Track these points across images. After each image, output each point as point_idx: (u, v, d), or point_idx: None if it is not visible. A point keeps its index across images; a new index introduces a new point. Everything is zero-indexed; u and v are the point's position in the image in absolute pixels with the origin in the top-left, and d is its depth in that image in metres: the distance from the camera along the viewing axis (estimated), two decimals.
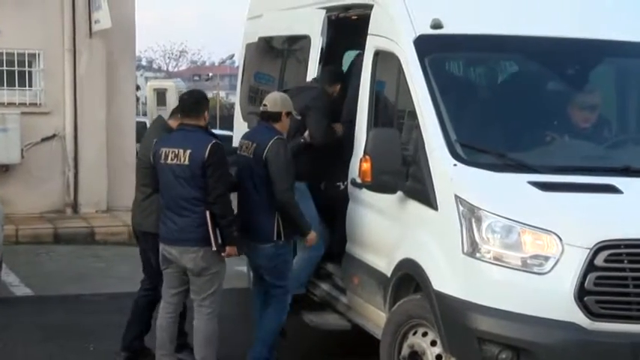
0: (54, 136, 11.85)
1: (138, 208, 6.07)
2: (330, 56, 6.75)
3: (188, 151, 5.46)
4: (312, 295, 6.64)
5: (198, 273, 5.58)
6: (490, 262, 4.61)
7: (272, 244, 5.71)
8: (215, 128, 26.77)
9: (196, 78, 51.14)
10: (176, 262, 5.64)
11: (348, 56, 7.40)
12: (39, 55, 11.79)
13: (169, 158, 5.52)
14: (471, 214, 4.68)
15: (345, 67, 7.38)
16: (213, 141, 5.49)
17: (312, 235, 5.81)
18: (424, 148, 5.06)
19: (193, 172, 5.45)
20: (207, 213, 5.43)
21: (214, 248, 5.47)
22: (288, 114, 5.85)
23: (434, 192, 4.92)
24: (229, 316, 7.50)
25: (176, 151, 5.50)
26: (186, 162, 5.46)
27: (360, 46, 6.13)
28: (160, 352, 5.79)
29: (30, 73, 11.80)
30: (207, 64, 61.05)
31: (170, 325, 5.77)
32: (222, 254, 5.54)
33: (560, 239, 4.52)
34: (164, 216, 5.62)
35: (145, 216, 5.96)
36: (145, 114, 34.65)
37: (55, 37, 11.75)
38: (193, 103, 5.65)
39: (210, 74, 50.76)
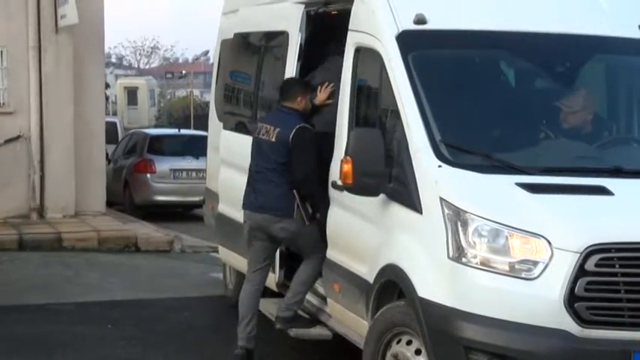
0: (18, 137, 11.79)
1: None
2: (308, 53, 6.75)
3: (277, 130, 6.12)
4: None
5: (292, 241, 6.24)
6: (477, 268, 4.62)
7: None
8: (189, 128, 26.86)
9: (169, 75, 50.88)
10: (261, 229, 6.20)
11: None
12: (2, 52, 11.73)
13: (261, 133, 6.24)
14: (456, 217, 4.70)
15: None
16: (300, 125, 6.06)
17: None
18: (408, 148, 5.07)
19: (278, 151, 6.08)
20: (295, 191, 6.01)
21: (306, 222, 6.03)
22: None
23: (418, 194, 4.93)
24: (203, 325, 7.51)
25: (268, 127, 6.22)
26: (273, 139, 6.13)
27: (341, 42, 6.13)
28: (243, 322, 6.27)
29: None
30: (180, 60, 60.86)
31: (253, 296, 6.32)
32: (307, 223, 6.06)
33: (550, 243, 4.55)
34: (251, 185, 6.28)
35: None
36: (114, 113, 34.59)
37: (18, 33, 11.69)
38: (288, 87, 6.33)
39: (184, 72, 50.55)
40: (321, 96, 6.37)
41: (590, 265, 4.49)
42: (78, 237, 11.03)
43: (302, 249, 6.26)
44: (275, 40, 7.12)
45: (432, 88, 5.27)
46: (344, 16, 6.05)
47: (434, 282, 4.75)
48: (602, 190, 4.85)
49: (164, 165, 15.84)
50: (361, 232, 5.53)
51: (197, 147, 14.42)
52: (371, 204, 5.32)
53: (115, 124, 21.21)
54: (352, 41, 5.88)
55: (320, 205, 6.01)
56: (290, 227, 6.11)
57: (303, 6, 6.67)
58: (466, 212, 4.68)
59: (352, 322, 5.68)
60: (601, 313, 4.49)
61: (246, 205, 6.35)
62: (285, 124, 6.10)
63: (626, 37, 5.75)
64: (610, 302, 4.50)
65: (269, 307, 6.64)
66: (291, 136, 6.03)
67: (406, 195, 5.03)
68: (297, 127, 6.04)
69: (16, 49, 11.70)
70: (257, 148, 6.29)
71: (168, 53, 61.81)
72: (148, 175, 15.75)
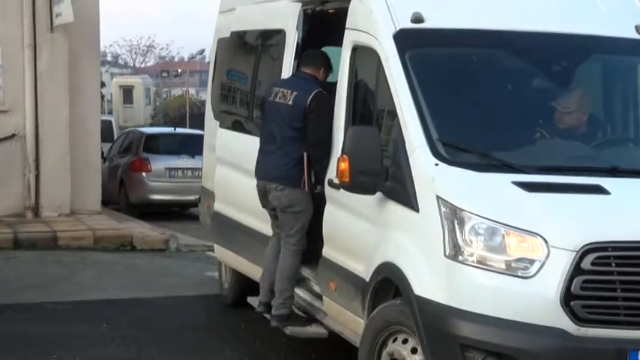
0: (13, 135, 11.77)
1: None
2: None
3: (294, 94, 6.16)
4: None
5: (282, 210, 6.21)
6: (473, 266, 4.63)
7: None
8: (185, 126, 26.88)
9: (165, 74, 50.92)
10: (265, 197, 6.28)
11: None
12: None
13: (277, 97, 6.26)
14: (453, 215, 4.71)
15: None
16: (318, 89, 6.11)
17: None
18: (404, 147, 5.08)
19: (294, 114, 6.10)
20: (305, 155, 6.04)
21: (306, 189, 6.07)
22: None
23: (414, 193, 4.94)
24: (199, 324, 7.51)
25: (284, 91, 6.26)
26: (290, 102, 6.16)
27: (338, 41, 6.15)
28: (267, 273, 6.40)
29: None
30: (176, 59, 60.84)
31: (276, 249, 6.38)
32: (315, 191, 6.08)
33: (546, 241, 4.56)
34: (261, 152, 6.33)
35: None
36: (110, 112, 34.58)
37: (14, 32, 11.68)
38: (316, 55, 6.42)
39: (180, 70, 50.59)
40: None
41: (586, 263, 4.51)
42: (73, 236, 11.02)
43: (288, 223, 6.20)
44: (272, 38, 7.13)
45: (429, 87, 5.28)
46: (341, 15, 6.06)
47: (430, 280, 4.76)
48: (599, 189, 4.86)
49: (160, 164, 15.85)
50: (357, 230, 5.54)
51: (193, 146, 14.42)
52: (367, 202, 5.33)
53: (110, 122, 21.19)
54: (349, 40, 5.89)
55: (323, 174, 5.97)
56: (288, 198, 6.12)
57: (300, 4, 6.68)
58: (463, 210, 4.69)
59: (348, 320, 5.69)
60: (597, 312, 4.50)
61: (257, 174, 6.39)
62: (303, 89, 6.13)
63: (623, 37, 5.77)
64: (606, 301, 4.51)
65: None
66: (309, 100, 6.05)
67: (403, 193, 5.04)
68: (315, 91, 6.08)
69: (12, 48, 11.68)
70: (272, 112, 6.27)
71: (164, 52, 61.91)
72: (144, 174, 15.75)
